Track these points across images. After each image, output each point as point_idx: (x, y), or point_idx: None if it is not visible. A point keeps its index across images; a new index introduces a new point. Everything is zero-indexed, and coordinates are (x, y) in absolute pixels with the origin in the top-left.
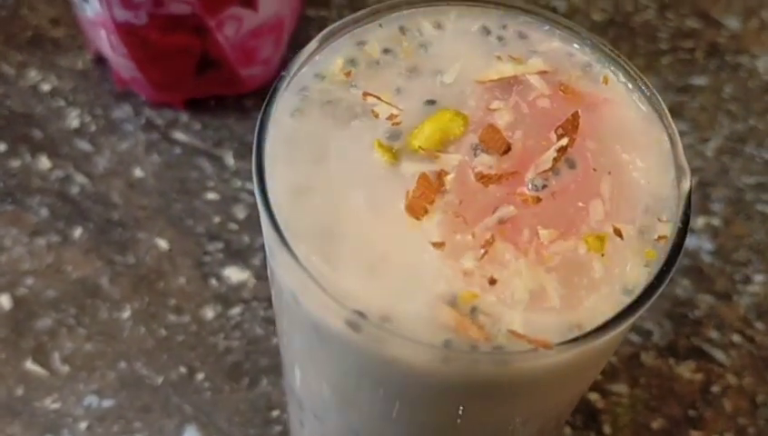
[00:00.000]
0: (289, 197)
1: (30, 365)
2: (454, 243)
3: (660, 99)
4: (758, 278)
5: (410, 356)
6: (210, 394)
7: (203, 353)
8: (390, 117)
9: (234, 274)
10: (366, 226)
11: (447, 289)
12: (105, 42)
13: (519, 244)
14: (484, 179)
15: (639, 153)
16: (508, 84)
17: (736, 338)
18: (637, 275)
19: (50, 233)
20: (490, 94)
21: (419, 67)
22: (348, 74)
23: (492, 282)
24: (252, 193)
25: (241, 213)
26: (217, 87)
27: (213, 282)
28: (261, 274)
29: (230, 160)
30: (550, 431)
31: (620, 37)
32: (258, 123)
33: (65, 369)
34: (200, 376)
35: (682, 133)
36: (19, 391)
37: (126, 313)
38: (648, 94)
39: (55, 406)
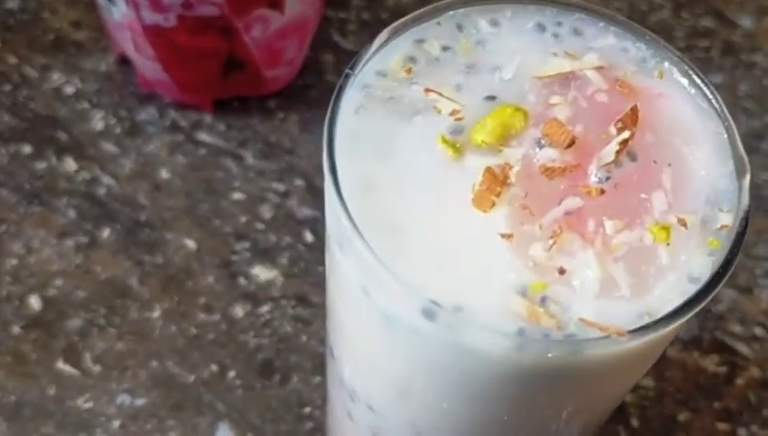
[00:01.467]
0: (356, 192)
1: (62, 365)
2: (522, 235)
3: (716, 93)
4: None
5: (483, 344)
6: (241, 392)
7: (234, 351)
8: (453, 113)
9: (262, 273)
10: (433, 219)
11: (517, 279)
12: (131, 44)
13: (586, 235)
14: (548, 172)
15: (697, 146)
16: (566, 80)
17: (759, 331)
18: (702, 264)
19: (78, 235)
20: (549, 89)
21: (478, 64)
22: (408, 71)
23: (561, 271)
24: (278, 193)
25: (267, 212)
26: (241, 88)
27: (242, 280)
28: (289, 272)
29: (254, 160)
30: (594, 426)
31: None
32: (327, 119)
33: (97, 368)
34: (231, 374)
35: None
36: (51, 392)
37: (156, 313)
38: (704, 88)
39: (88, 405)
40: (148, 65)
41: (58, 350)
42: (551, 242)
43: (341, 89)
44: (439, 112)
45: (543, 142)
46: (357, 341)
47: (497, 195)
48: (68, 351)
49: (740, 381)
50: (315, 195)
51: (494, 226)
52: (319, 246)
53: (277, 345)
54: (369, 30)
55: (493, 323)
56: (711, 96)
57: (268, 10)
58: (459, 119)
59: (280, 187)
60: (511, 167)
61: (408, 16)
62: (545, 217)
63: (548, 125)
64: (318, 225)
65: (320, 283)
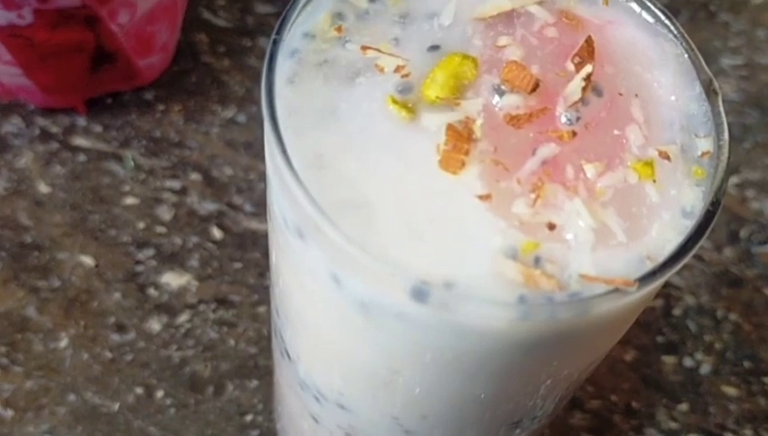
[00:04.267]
0: (307, 169)
1: None
2: (500, 193)
3: (667, 12)
4: None
5: (483, 319)
6: (174, 411)
7: (158, 369)
8: (397, 69)
9: (173, 280)
10: (400, 189)
11: (504, 242)
12: None
13: (567, 183)
14: (514, 120)
15: (660, 72)
16: (509, 18)
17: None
18: (692, 196)
19: None
20: (494, 30)
21: (411, 12)
22: (338, 29)
23: (551, 227)
24: (174, 191)
25: (165, 213)
26: (114, 83)
27: (152, 291)
28: (202, 275)
29: (141, 159)
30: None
31: None
32: (264, 93)
33: (8, 413)
34: (159, 394)
35: None
36: None
37: (63, 342)
38: (654, 9)
39: None
40: (6, 71)
41: None
42: (533, 196)
43: (272, 57)
44: (382, 70)
45: (503, 88)
46: (323, 337)
47: (466, 154)
48: None
49: (677, 312)
50: (215, 187)
51: (468, 188)
52: (229, 242)
53: (203, 354)
54: (241, 3)
55: (490, 295)
56: (663, 18)
57: None
58: (406, 76)
59: (176, 184)
60: (473, 121)
61: None
62: (521, 170)
63: (507, 69)
64: (224, 219)
65: (238, 282)
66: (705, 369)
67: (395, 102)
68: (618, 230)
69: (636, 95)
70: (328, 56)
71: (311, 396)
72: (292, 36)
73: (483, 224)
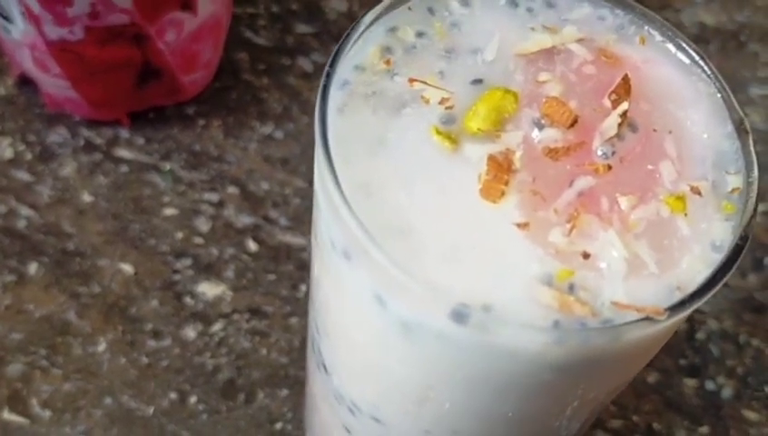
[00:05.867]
0: (356, 196)
1: (8, 415)
2: (537, 222)
3: (702, 54)
4: None
5: (519, 342)
6: (206, 416)
7: (192, 375)
8: (442, 101)
9: (209, 289)
10: (442, 216)
11: (541, 269)
12: (33, 63)
13: (602, 215)
14: (552, 153)
15: (693, 110)
16: (549, 55)
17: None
18: (722, 230)
19: (3, 273)
20: (535, 66)
21: (456, 47)
22: (387, 62)
23: (586, 256)
24: (212, 204)
25: (203, 225)
26: (157, 98)
27: (188, 300)
28: (237, 285)
29: (181, 172)
30: (604, 405)
31: None
32: (317, 123)
33: (47, 414)
34: (192, 399)
35: None
36: None
37: (102, 346)
38: (688, 49)
39: None
40: (54, 84)
41: (0, 399)
42: (569, 226)
43: (325, 89)
44: (428, 102)
45: (543, 122)
46: (361, 353)
47: (505, 183)
48: (12, 400)
49: (700, 336)
50: (251, 201)
51: (507, 216)
52: (264, 254)
53: (236, 363)
54: (281, 24)
55: (526, 319)
56: (698, 58)
57: (180, 12)
58: (450, 107)
59: (214, 197)
60: (513, 152)
61: (380, 5)
62: (557, 201)
63: (547, 105)
64: (260, 232)
65: (271, 293)
66: (727, 393)
67: (439, 132)
68: (650, 261)
69: (670, 132)
70: (376, 88)
71: (346, 408)
72: (343, 68)
73: (520, 251)
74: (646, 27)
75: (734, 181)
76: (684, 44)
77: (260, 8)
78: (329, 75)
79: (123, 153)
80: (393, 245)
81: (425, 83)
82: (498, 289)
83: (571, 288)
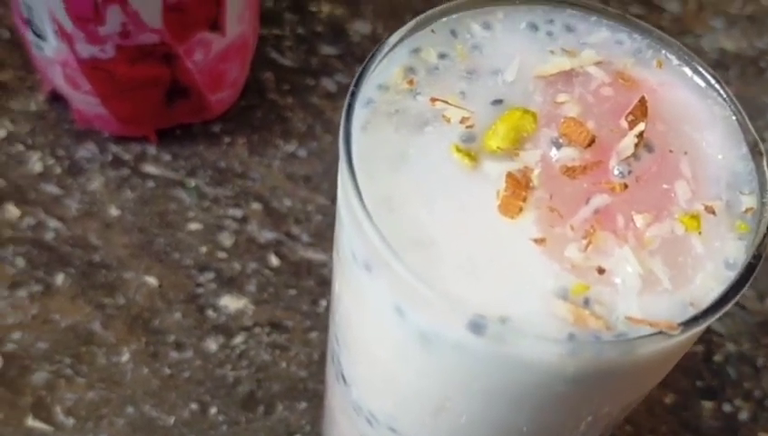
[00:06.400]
0: (378, 210)
1: (32, 422)
2: (554, 238)
3: (718, 77)
4: None
5: (534, 354)
6: (226, 427)
7: (212, 387)
8: (462, 120)
9: (231, 303)
10: (461, 230)
11: (556, 283)
12: (64, 80)
13: (618, 232)
14: (569, 172)
15: (708, 132)
16: (568, 77)
17: (730, 307)
18: (736, 249)
19: (30, 284)
20: (553, 88)
21: (478, 69)
22: (410, 82)
23: (601, 271)
24: (236, 219)
25: (227, 240)
26: (185, 115)
27: (211, 313)
28: (259, 299)
29: (206, 188)
30: (618, 421)
31: None
32: (342, 140)
33: (70, 421)
34: (213, 410)
35: None
36: None
37: (125, 356)
38: (705, 74)
39: None
40: (84, 100)
41: (25, 406)
42: (585, 242)
43: (350, 107)
44: (449, 121)
45: (561, 142)
46: (380, 364)
47: (523, 200)
48: (37, 407)
49: (718, 358)
50: (274, 217)
51: (524, 232)
52: (286, 270)
53: (256, 375)
54: (307, 45)
55: (542, 331)
56: (713, 82)
57: (209, 33)
58: (470, 127)
59: (238, 213)
60: (531, 170)
61: (404, 27)
62: (574, 218)
63: (565, 125)
64: (282, 248)
65: (292, 308)
66: (744, 415)
67: (459, 150)
68: (664, 277)
69: (686, 153)
70: (399, 106)
71: (364, 419)
72: (367, 87)
73: (537, 266)
74: (663, 51)
75: (748, 201)
76: (701, 68)
77: (286, 30)
78: (353, 94)
79: (149, 168)
80: (413, 258)
81: (446, 102)
82: (515, 302)
83: (586, 302)
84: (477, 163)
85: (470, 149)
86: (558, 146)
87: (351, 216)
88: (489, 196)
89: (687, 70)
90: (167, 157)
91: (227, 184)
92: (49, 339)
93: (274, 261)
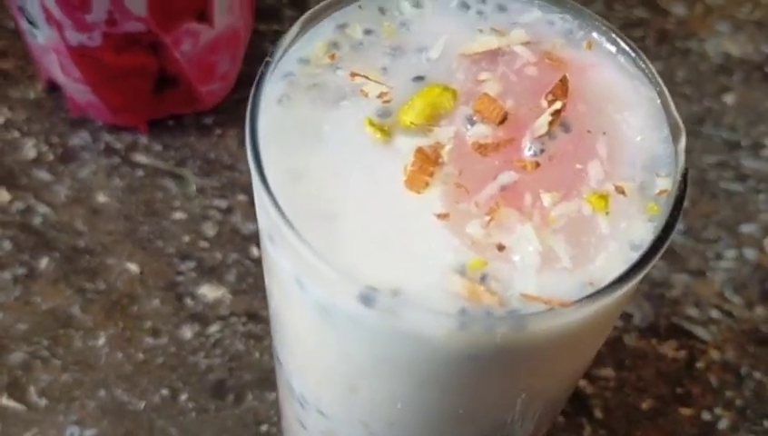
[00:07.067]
0: (285, 182)
1: (6, 401)
2: (458, 213)
3: (646, 59)
4: (729, 253)
5: (425, 327)
6: (195, 414)
7: (185, 374)
8: (380, 95)
9: (209, 292)
10: (367, 204)
11: (455, 258)
12: (58, 67)
13: (523, 209)
14: (481, 148)
15: (631, 113)
16: (494, 56)
17: (714, 313)
18: (643, 231)
19: (15, 266)
20: (477, 66)
21: (403, 46)
22: (332, 56)
23: (500, 248)
24: (221, 210)
25: (210, 230)
26: (176, 106)
27: (189, 301)
28: (237, 289)
29: (194, 179)
30: (549, 415)
31: None
32: (249, 110)
33: (43, 402)
34: (183, 397)
35: None
36: None
37: (101, 340)
38: (633, 55)
39: None
40: (77, 88)
41: (1, 385)
42: (488, 218)
43: (261, 78)
44: (366, 95)
45: (475, 118)
46: (297, 341)
47: (430, 175)
48: (12, 386)
49: (700, 365)
50: None
51: (429, 206)
52: None
53: (229, 364)
54: None
55: (433, 305)
56: (641, 62)
57: (196, 23)
58: (387, 102)
59: (223, 203)
60: (443, 146)
61: (328, 1)
62: (480, 194)
63: (479, 101)
64: None
65: None
66: (723, 424)
67: (372, 124)
68: (564, 256)
69: (604, 133)
70: (318, 80)
71: (297, 401)
72: (288, 60)
73: (438, 241)
74: (594, 33)
75: (664, 183)
76: (628, 48)
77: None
78: (267, 64)
79: (140, 157)
80: (316, 231)
81: (366, 77)
82: (413, 276)
83: (483, 278)
84: (389, 138)
85: (384, 124)
86: (472, 123)
87: (257, 188)
88: (398, 171)
89: (616, 51)
90: (158, 147)
91: (215, 175)
92: (29, 320)
93: (255, 252)
